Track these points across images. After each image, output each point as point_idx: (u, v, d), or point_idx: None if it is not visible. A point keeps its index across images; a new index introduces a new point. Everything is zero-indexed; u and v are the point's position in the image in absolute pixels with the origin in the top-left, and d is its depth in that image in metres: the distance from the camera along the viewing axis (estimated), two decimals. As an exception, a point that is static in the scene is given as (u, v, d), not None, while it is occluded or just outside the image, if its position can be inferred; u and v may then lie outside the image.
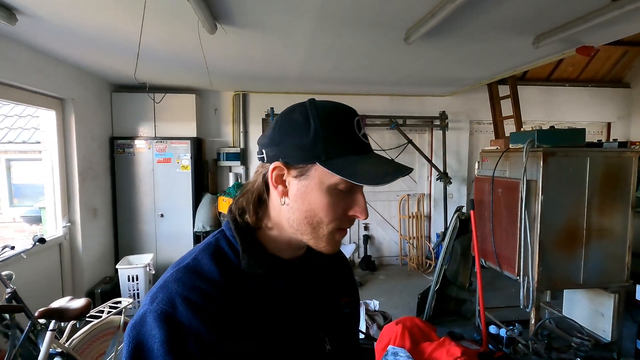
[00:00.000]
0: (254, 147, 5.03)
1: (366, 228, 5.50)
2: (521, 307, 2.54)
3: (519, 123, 4.26)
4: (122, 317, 2.27)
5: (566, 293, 3.09)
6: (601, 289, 2.70)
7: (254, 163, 5.05)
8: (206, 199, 4.56)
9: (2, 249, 2.19)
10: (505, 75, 3.97)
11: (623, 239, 2.57)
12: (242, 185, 0.66)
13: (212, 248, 0.62)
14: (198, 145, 4.72)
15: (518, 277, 2.55)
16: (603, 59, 5.71)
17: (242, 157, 4.94)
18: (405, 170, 0.58)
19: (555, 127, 2.81)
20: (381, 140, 5.27)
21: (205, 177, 4.85)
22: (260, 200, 0.64)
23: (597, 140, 2.76)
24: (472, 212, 2.92)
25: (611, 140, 2.55)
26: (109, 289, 3.87)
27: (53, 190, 3.52)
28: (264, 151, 0.62)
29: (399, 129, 4.92)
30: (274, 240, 0.64)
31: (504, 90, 4.68)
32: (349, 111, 0.61)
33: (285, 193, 0.60)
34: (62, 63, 3.35)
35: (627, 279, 2.56)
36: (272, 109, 4.57)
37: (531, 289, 2.46)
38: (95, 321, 2.13)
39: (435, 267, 3.79)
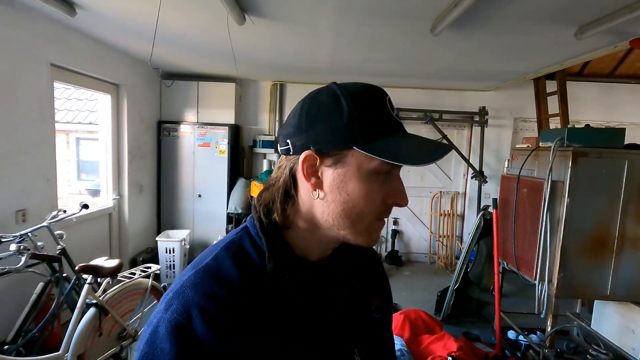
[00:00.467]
0: (288, 136, 5.21)
1: (395, 222, 5.46)
2: (535, 312, 2.43)
3: (565, 121, 3.96)
4: (150, 281, 2.54)
5: (596, 305, 2.87)
6: (633, 304, 2.48)
7: (288, 151, 5.23)
8: (240, 183, 4.82)
9: (57, 212, 2.55)
10: (550, 70, 3.70)
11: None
12: (266, 180, 0.63)
13: (234, 247, 0.58)
14: (236, 132, 4.99)
15: (535, 282, 2.43)
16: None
17: (277, 145, 5.14)
18: (447, 148, 0.55)
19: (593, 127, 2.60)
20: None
21: (240, 162, 5.12)
22: (287, 197, 0.58)
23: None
24: (494, 211, 2.81)
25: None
26: (149, 257, 4.28)
27: (106, 167, 3.95)
28: (289, 142, 0.56)
29: (433, 124, 4.80)
30: (303, 239, 0.59)
31: (553, 86, 4.35)
32: (379, 90, 0.56)
33: (318, 185, 0.55)
34: (116, 51, 3.72)
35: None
36: (305, 99, 4.68)
37: (545, 295, 2.34)
38: (126, 281, 2.42)
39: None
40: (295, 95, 5.09)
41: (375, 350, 0.67)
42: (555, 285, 2.37)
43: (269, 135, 5.19)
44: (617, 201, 2.31)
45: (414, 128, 5.18)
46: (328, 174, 0.55)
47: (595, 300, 2.85)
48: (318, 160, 0.54)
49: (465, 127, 5.33)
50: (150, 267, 2.64)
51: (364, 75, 4.43)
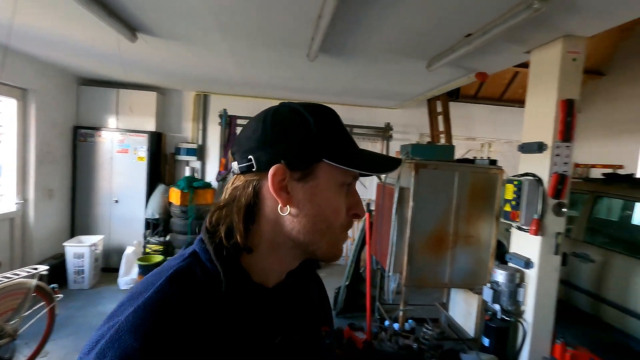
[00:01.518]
0: (211, 144, 5.41)
1: (315, 228, 5.82)
2: (386, 299, 2.86)
3: (448, 137, 4.57)
4: (34, 281, 2.63)
5: (451, 294, 3.39)
6: (469, 290, 3.00)
7: (212, 159, 5.43)
8: (159, 189, 4.93)
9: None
10: (435, 93, 4.29)
11: (487, 245, 2.88)
12: (217, 202, 0.59)
13: (182, 276, 0.51)
14: (157, 139, 5.11)
15: (389, 274, 2.87)
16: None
17: (199, 152, 5.33)
18: (398, 159, 0.60)
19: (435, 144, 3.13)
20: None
21: (162, 169, 5.23)
22: (249, 217, 0.55)
23: (473, 157, 3.06)
24: (367, 214, 3.24)
25: (483, 158, 2.86)
26: (56, 263, 4.24)
27: (10, 171, 3.92)
28: (251, 157, 0.54)
29: (345, 137, 5.25)
30: (262, 263, 0.56)
31: (452, 106, 5.00)
32: (330, 108, 0.59)
33: (289, 200, 0.53)
34: (22, 55, 3.75)
35: (488, 282, 2.85)
36: (225, 110, 4.94)
37: (391, 286, 2.78)
38: (5, 281, 2.50)
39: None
40: (219, 106, 5.31)
41: None
42: (404, 277, 2.81)
43: (192, 143, 5.36)
44: (450, 205, 2.82)
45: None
46: (298, 188, 0.54)
47: (451, 290, 3.36)
48: (288, 175, 0.53)
49: (377, 140, 5.87)
50: (36, 268, 2.73)
51: (281, 89, 4.78)
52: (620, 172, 4.80)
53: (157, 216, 4.81)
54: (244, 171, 0.55)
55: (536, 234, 2.44)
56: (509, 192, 2.59)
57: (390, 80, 3.88)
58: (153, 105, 4.96)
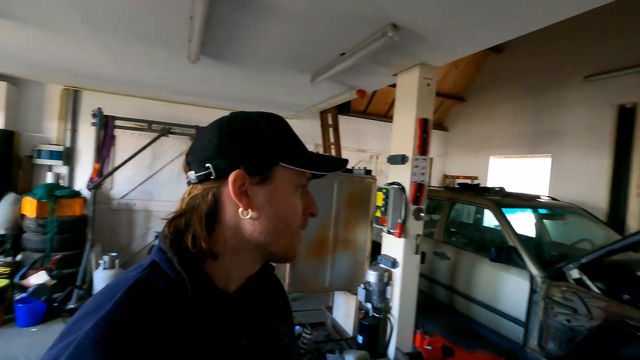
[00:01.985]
0: (83, 147, 4.73)
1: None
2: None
3: (337, 149, 4.87)
4: None
5: (335, 297, 3.57)
6: (348, 292, 3.20)
7: (82, 163, 4.73)
8: (7, 198, 4.08)
9: None
10: (324, 106, 4.53)
11: (364, 248, 3.11)
12: (175, 212, 0.58)
13: (142, 287, 0.51)
14: (7, 138, 4.25)
15: (272, 281, 2.87)
16: (427, 105, 6.91)
17: (67, 156, 4.60)
18: (345, 160, 0.66)
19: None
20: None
21: (14, 174, 4.36)
22: (210, 224, 0.56)
23: (352, 167, 3.32)
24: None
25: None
26: None
27: None
28: (209, 165, 0.55)
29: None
30: (224, 268, 0.57)
31: (346, 120, 5.34)
32: (279, 116, 0.62)
33: (249, 204, 0.56)
34: None
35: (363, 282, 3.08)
36: (99, 109, 4.38)
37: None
38: None
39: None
40: (93, 104, 4.67)
41: None
42: (287, 283, 2.84)
43: (57, 145, 4.60)
44: (330, 212, 2.98)
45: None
46: (257, 191, 0.56)
47: (334, 293, 3.52)
48: (247, 180, 0.55)
49: (274, 149, 5.91)
50: None
51: (172, 92, 4.44)
52: (476, 182, 5.77)
53: (2, 232, 3.96)
54: (202, 179, 0.56)
55: (400, 237, 2.73)
56: (379, 199, 2.86)
57: (281, 91, 3.96)
58: (1, 97, 4.12)
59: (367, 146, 6.56)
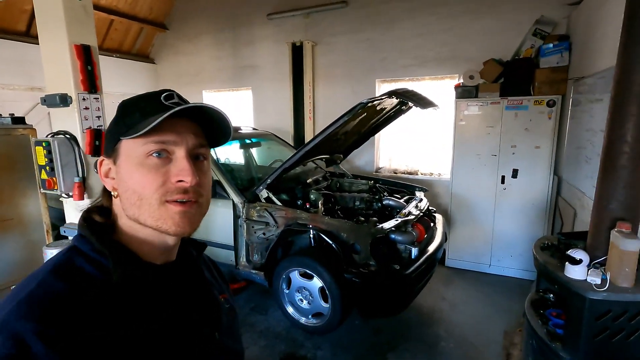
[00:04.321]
0: None
1: None
2: None
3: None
4: None
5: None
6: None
7: None
8: None
9: None
10: None
11: (38, 223, 2.36)
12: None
13: (64, 268, 0.53)
14: None
15: None
16: (123, 31, 5.83)
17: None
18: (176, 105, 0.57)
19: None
20: None
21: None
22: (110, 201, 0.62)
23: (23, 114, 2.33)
24: None
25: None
26: None
27: None
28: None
29: None
30: (142, 243, 0.59)
31: None
32: (157, 91, 0.60)
33: (112, 185, 0.59)
34: None
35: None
36: None
37: None
38: None
39: None
40: None
41: (229, 332, 0.72)
42: None
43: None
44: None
45: None
46: (113, 171, 0.59)
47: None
48: (110, 164, 0.59)
49: None
50: None
51: None
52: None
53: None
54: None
55: (82, 199, 2.21)
56: (41, 156, 2.15)
57: None
58: None
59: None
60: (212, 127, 0.62)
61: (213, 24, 5.74)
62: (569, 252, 1.42)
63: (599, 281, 1.33)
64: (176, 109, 0.54)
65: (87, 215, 0.61)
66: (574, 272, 1.39)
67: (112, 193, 0.60)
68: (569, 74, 3.23)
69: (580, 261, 1.37)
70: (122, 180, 0.57)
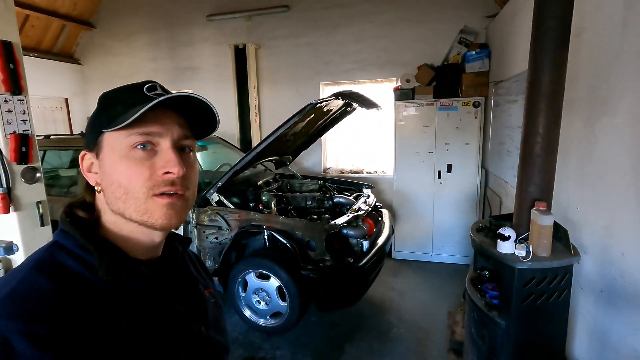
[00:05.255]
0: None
1: None
2: None
3: None
4: None
5: None
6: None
7: None
8: None
9: None
10: None
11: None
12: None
13: (47, 264, 0.51)
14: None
15: None
16: (41, 28, 5.27)
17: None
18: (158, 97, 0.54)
19: None
20: None
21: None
22: (92, 196, 0.61)
23: None
24: None
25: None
26: None
27: None
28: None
29: None
30: (126, 240, 0.58)
31: None
32: (139, 83, 0.58)
33: (95, 179, 0.58)
34: None
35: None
36: None
37: None
38: None
39: None
40: None
41: (216, 327, 0.71)
42: None
43: None
44: None
45: None
46: (96, 165, 0.58)
47: None
48: (93, 159, 0.58)
49: None
50: None
51: None
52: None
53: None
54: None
55: (7, 212, 1.98)
56: (-47, 165, 1.88)
57: None
58: None
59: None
60: (196, 118, 0.60)
61: (147, 22, 5.44)
62: (499, 230, 1.63)
63: (524, 253, 1.55)
64: (161, 98, 0.53)
65: (69, 210, 0.58)
66: (504, 248, 1.60)
67: (96, 188, 0.58)
68: (489, 78, 3.65)
69: (508, 237, 1.58)
70: (106, 174, 0.56)
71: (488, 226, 1.92)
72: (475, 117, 3.70)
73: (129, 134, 0.54)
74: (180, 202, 0.57)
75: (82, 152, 0.59)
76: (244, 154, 2.85)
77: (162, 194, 0.55)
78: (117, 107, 0.55)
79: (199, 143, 3.99)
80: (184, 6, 5.14)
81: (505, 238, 1.59)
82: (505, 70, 3.14)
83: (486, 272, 1.88)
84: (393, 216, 4.10)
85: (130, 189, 0.54)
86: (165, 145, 0.56)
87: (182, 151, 0.58)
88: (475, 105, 3.67)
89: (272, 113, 5.01)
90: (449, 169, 3.86)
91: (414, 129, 3.90)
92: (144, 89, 0.57)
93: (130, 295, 0.55)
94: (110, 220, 0.58)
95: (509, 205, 2.90)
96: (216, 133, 4.53)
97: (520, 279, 1.53)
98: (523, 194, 1.69)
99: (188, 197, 0.59)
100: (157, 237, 0.60)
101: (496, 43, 3.52)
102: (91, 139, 0.57)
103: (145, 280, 0.58)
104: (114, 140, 0.55)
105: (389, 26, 4.29)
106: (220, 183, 2.78)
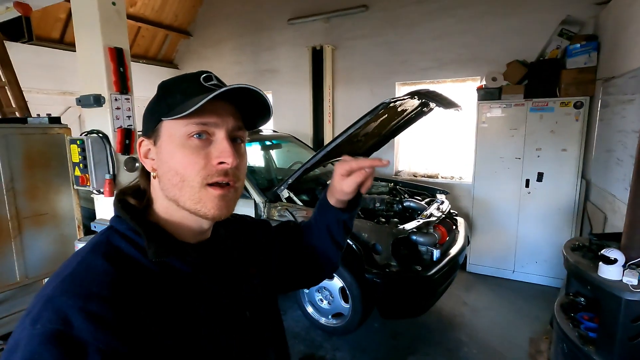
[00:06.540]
0: None
1: None
2: None
3: (16, 92, 3.49)
4: None
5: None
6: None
7: None
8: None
9: None
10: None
11: (70, 218, 2.46)
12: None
13: (103, 247, 0.54)
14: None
15: None
16: (149, 38, 6.04)
17: None
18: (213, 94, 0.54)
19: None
20: None
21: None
22: (147, 182, 0.63)
23: (25, 116, 2.46)
24: None
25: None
26: None
27: None
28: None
29: None
30: (174, 225, 0.60)
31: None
32: (196, 73, 0.60)
33: (152, 165, 0.59)
34: None
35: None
36: None
37: None
38: None
39: None
40: None
41: (262, 310, 0.70)
42: None
43: None
44: (-2, 182, 2.10)
45: None
46: (154, 152, 0.59)
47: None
48: (150, 145, 0.60)
49: None
50: None
51: None
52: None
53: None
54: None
55: (111, 195, 2.29)
56: (75, 154, 2.24)
57: None
58: None
59: (75, 87, 5.15)
60: (249, 109, 0.61)
61: (234, 30, 5.88)
62: (603, 251, 1.37)
63: (635, 282, 1.28)
64: (221, 89, 0.53)
65: (121, 197, 0.61)
66: (609, 272, 1.34)
67: (152, 174, 0.60)
68: (597, 74, 3.14)
69: (615, 261, 1.32)
70: (163, 161, 0.57)
71: (587, 245, 1.64)
72: (577, 120, 3.22)
73: (187, 123, 0.55)
74: (231, 194, 0.59)
75: (140, 139, 0.61)
76: (316, 152, 2.88)
77: (215, 184, 0.56)
78: (176, 96, 0.57)
79: (274, 141, 4.17)
80: (267, 12, 5.43)
81: (611, 261, 1.33)
82: (619, 65, 2.66)
83: (582, 299, 1.61)
84: (469, 226, 3.79)
85: (186, 176, 0.55)
86: (220, 135, 0.57)
87: (234, 142, 0.59)
88: (577, 105, 3.19)
89: (345, 114, 5.01)
90: (540, 177, 3.43)
91: (499, 132, 3.55)
92: (201, 79, 0.59)
93: (178, 280, 0.56)
94: (162, 205, 0.60)
95: (616, 223, 2.46)
96: (290, 132, 4.69)
97: (629, 313, 1.27)
98: (637, 210, 1.41)
99: (238, 188, 0.60)
100: (205, 224, 0.62)
101: (608, 34, 3.01)
102: (149, 126, 0.59)
103: (193, 264, 0.58)
104: (172, 129, 0.56)
105: (473, 20, 3.97)
106: (290, 180, 2.85)
